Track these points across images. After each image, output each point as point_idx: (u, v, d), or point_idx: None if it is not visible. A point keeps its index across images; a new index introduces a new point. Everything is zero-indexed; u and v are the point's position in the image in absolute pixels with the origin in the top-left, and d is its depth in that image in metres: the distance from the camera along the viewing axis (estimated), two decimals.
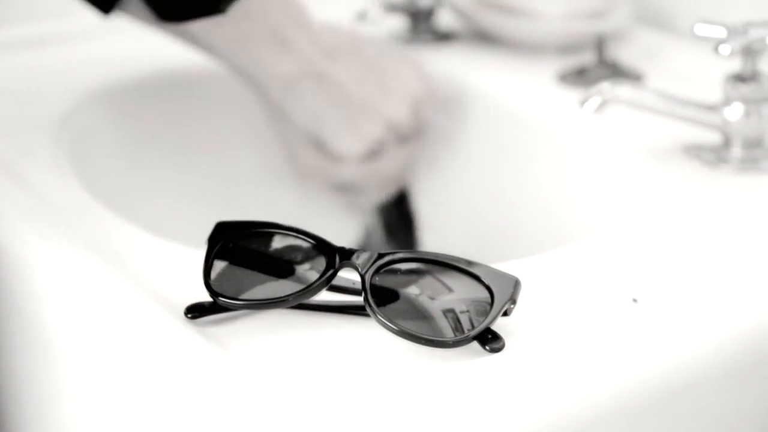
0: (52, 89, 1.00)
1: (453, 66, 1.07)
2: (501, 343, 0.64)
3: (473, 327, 0.64)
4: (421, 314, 0.65)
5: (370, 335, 0.66)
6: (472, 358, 0.64)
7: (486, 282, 0.65)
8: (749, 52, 0.85)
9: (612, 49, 1.05)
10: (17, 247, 0.79)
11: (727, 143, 0.87)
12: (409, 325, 0.64)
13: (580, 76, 1.02)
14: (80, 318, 0.73)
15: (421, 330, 0.64)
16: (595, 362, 0.65)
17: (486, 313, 0.64)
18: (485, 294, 0.65)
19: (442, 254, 0.66)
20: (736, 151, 0.87)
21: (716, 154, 0.87)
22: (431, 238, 1.09)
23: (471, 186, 1.05)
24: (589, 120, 0.94)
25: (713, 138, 0.89)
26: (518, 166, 1.01)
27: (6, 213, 0.81)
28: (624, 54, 1.06)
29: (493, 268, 0.66)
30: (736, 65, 0.87)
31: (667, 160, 0.88)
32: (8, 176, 0.86)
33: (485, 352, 0.64)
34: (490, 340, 0.64)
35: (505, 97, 1.02)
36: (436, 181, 1.08)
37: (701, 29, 0.85)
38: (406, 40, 1.11)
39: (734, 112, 0.86)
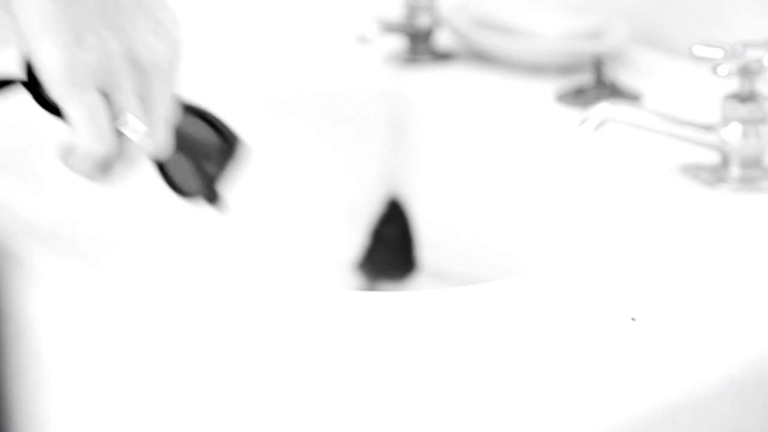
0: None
1: (451, 86, 1.08)
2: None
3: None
4: None
5: None
6: (480, 376, 0.64)
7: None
8: (747, 73, 0.86)
9: (610, 70, 1.05)
10: (11, 271, 0.79)
11: (725, 163, 0.88)
12: None
13: (578, 96, 1.02)
14: (70, 331, 0.73)
15: None
16: (594, 379, 0.65)
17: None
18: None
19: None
20: (734, 170, 0.87)
21: (714, 174, 0.88)
22: (430, 257, 1.09)
23: (469, 204, 1.05)
24: (588, 139, 0.94)
25: (711, 158, 0.89)
26: (516, 184, 1.01)
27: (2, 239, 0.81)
28: (622, 74, 1.06)
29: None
30: (734, 85, 0.88)
31: (666, 179, 0.88)
32: (8, 194, 0.86)
33: (482, 359, 0.64)
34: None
35: (504, 116, 1.03)
36: (434, 199, 1.08)
37: (699, 50, 0.85)
38: (405, 60, 1.12)
39: (732, 132, 0.86)
